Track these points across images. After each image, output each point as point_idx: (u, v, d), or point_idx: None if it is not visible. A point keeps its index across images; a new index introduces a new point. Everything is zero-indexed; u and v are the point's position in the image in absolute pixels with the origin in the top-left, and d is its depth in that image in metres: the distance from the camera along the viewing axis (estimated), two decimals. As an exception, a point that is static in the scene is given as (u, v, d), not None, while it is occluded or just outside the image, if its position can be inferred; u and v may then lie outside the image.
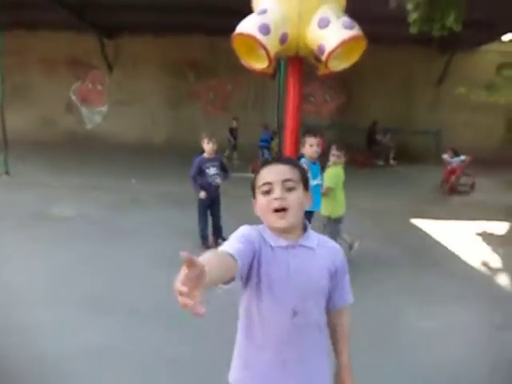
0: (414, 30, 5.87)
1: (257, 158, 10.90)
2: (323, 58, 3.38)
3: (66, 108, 15.31)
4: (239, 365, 1.37)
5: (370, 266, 4.51)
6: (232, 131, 12.22)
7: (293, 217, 1.26)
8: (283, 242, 1.27)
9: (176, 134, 14.54)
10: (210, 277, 0.90)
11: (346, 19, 3.37)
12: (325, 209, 4.24)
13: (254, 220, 1.36)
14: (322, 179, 4.13)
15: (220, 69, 14.26)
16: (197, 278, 0.84)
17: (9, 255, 4.48)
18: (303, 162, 3.81)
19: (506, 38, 13.09)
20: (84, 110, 15.43)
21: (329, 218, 4.29)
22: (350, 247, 4.53)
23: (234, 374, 1.39)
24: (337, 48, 3.26)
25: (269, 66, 3.41)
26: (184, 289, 0.79)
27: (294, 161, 1.41)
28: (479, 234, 5.91)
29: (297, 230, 1.31)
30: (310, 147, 3.96)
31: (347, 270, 1.39)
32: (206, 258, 1.00)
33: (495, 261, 4.91)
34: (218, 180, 4.83)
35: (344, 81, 13.56)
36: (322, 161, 4.25)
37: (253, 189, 1.34)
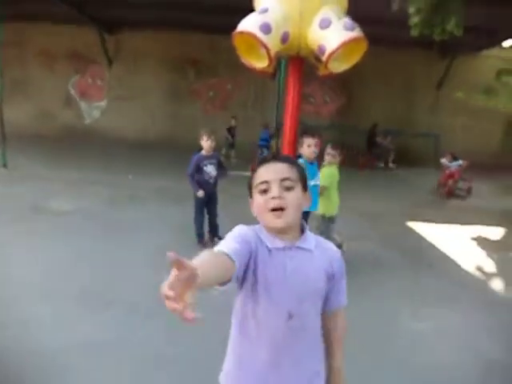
0: (414, 33, 5.90)
1: (256, 157, 10.90)
2: (323, 58, 3.38)
3: (64, 102, 15.25)
4: (233, 361, 1.34)
5: (369, 267, 4.54)
6: (230, 129, 12.20)
7: (290, 217, 1.23)
8: (280, 244, 1.24)
9: (175, 131, 14.51)
10: (206, 278, 0.87)
11: (347, 20, 3.37)
12: (319, 208, 4.26)
13: (251, 219, 1.35)
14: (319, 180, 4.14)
15: (220, 67, 14.24)
16: (187, 280, 0.79)
17: (6, 248, 4.47)
18: (301, 163, 3.82)
19: (506, 43, 13.12)
20: (83, 105, 15.37)
21: (323, 217, 4.30)
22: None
23: (227, 371, 1.36)
24: (337, 49, 3.26)
25: (269, 66, 3.41)
26: (170, 293, 0.75)
27: (292, 159, 1.37)
28: (474, 239, 5.95)
29: (294, 230, 1.28)
30: (308, 148, 3.97)
31: (345, 273, 1.36)
32: (202, 258, 0.96)
33: (489, 266, 4.93)
34: (214, 173, 4.79)
35: (344, 82, 13.56)
36: (319, 161, 4.27)
37: (249, 188, 1.31)
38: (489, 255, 5.27)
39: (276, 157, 1.32)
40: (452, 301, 3.90)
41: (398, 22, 6.55)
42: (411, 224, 6.51)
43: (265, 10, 3.34)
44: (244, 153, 11.49)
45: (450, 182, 9.03)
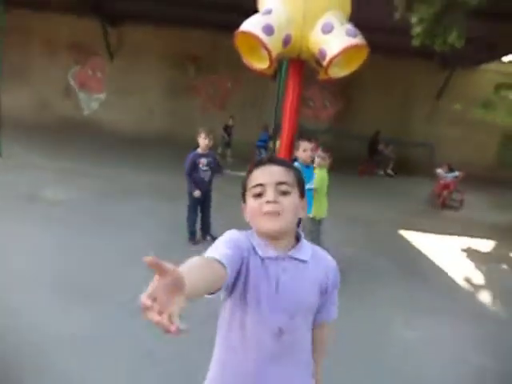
0: (416, 42, 5.93)
1: (254, 158, 10.90)
2: (324, 63, 3.39)
3: (63, 92, 15.18)
4: (216, 371, 1.28)
5: (361, 275, 4.54)
6: (226, 128, 12.18)
7: (285, 221, 1.15)
8: (272, 253, 1.17)
9: (172, 127, 14.49)
10: (195, 287, 0.79)
11: (349, 27, 3.37)
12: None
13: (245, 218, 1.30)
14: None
15: (221, 65, 14.23)
16: (171, 287, 0.69)
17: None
18: (297, 166, 3.82)
19: (506, 58, 13.23)
20: (82, 96, 15.30)
21: (313, 219, 4.31)
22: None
23: (211, 380, 1.30)
24: (338, 55, 3.27)
25: (269, 67, 3.41)
26: (148, 302, 0.65)
27: (289, 163, 1.29)
28: (464, 250, 6.00)
29: (288, 237, 1.20)
30: (304, 152, 3.97)
31: (338, 283, 1.31)
32: (191, 265, 0.88)
33: (478, 277, 4.97)
34: (209, 171, 4.78)
35: (344, 87, 13.61)
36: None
37: (243, 190, 1.23)
38: (477, 267, 5.31)
39: (272, 159, 1.24)
40: (442, 311, 3.92)
41: (400, 31, 6.59)
42: (404, 233, 6.55)
43: (268, 12, 3.34)
44: (240, 152, 11.48)
45: (445, 192, 9.08)
